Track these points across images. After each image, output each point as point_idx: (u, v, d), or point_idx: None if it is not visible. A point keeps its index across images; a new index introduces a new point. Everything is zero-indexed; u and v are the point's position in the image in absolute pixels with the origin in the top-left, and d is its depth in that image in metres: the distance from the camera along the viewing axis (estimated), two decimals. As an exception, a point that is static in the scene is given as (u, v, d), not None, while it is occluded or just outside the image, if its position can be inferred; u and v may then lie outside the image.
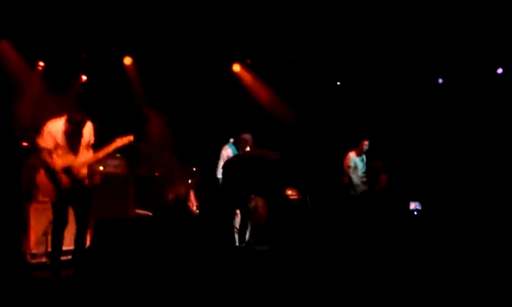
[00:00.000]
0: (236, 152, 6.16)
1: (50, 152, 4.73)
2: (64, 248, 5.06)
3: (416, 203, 6.67)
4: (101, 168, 6.34)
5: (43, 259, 5.36)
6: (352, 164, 7.41)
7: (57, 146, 4.75)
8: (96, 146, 5.06)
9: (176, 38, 7.20)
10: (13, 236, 5.48)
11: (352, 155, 7.48)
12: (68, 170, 4.77)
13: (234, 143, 6.31)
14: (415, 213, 6.54)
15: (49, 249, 5.23)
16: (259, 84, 8.60)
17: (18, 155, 6.00)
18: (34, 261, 5.43)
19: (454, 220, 6.11)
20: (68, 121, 4.78)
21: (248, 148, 6.09)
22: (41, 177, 4.80)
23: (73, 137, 4.82)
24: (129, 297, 3.73)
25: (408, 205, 6.71)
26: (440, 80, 8.66)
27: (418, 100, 8.58)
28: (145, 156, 7.42)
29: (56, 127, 4.78)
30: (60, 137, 4.76)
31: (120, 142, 4.93)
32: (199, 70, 7.89)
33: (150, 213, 6.75)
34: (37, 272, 5.12)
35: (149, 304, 3.53)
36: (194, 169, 7.22)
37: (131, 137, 5.01)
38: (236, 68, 8.49)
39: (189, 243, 5.20)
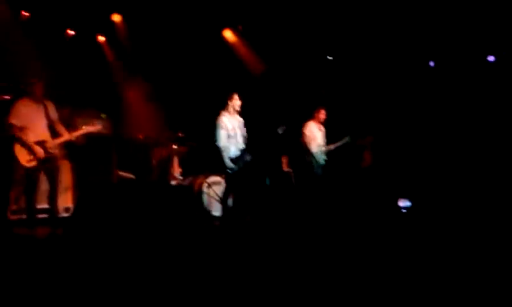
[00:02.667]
0: (229, 117, 6.04)
1: (21, 128, 5.00)
2: (40, 206, 5.31)
3: (406, 200, 6.41)
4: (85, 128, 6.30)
5: (23, 216, 5.38)
6: (308, 133, 7.36)
7: (27, 122, 5.03)
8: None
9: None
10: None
11: (310, 124, 7.45)
12: (41, 143, 5.08)
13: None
14: (404, 210, 6.31)
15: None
16: (249, 51, 8.52)
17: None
18: (14, 217, 5.45)
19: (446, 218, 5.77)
20: (32, 99, 5.13)
21: (237, 108, 5.95)
22: (16, 149, 5.02)
23: (40, 114, 5.14)
24: (109, 257, 3.80)
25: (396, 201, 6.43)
26: (432, 63, 8.64)
27: (409, 82, 8.52)
28: (130, 118, 7.37)
29: (24, 105, 5.10)
30: (29, 114, 5.06)
31: (92, 128, 5.43)
32: (187, 34, 7.75)
33: (132, 176, 6.76)
34: (17, 228, 5.17)
35: (128, 265, 3.59)
36: (180, 135, 7.08)
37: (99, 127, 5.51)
38: (227, 34, 8.38)
39: (168, 209, 5.25)
